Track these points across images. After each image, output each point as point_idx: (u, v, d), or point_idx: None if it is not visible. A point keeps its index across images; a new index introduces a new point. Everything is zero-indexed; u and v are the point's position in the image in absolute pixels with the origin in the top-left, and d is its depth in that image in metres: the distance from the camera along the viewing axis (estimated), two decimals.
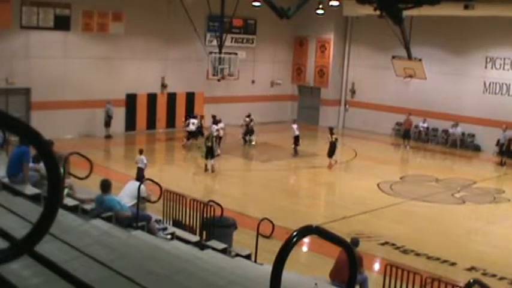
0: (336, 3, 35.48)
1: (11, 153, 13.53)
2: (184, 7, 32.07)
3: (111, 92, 34.65)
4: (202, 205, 15.73)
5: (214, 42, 35.88)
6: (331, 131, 31.28)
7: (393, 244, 19.67)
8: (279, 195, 25.55)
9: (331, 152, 30.62)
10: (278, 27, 40.48)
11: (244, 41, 41.87)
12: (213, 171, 28.18)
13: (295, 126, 34.00)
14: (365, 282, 14.26)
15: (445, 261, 18.46)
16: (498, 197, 27.45)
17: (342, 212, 22.91)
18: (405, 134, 38.75)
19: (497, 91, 38.19)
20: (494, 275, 17.43)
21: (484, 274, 17.29)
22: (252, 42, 42.38)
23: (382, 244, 19.69)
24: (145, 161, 23.63)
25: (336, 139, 30.99)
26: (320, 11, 38.57)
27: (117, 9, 34.86)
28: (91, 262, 5.50)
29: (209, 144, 28.25)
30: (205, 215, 15.47)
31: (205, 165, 28.24)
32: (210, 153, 28.22)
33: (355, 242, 14.37)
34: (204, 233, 15.10)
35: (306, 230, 3.65)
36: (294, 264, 13.80)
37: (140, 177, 19.73)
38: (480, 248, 20.64)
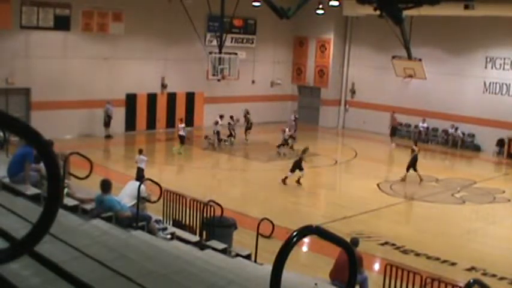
0: (336, 3, 35.50)
1: (15, 153, 13.54)
2: (185, 7, 32.09)
3: (111, 92, 34.67)
4: (202, 205, 15.73)
5: (214, 42, 35.90)
6: (415, 143, 30.24)
7: (393, 244, 19.67)
8: (279, 195, 25.55)
9: (411, 165, 28.72)
10: (278, 27, 40.51)
11: (244, 41, 41.88)
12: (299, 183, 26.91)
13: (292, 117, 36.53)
14: (365, 282, 14.26)
15: (445, 261, 18.46)
16: (498, 197, 27.43)
17: (342, 212, 22.91)
18: (392, 132, 38.81)
19: (497, 91, 38.20)
20: (494, 275, 17.42)
21: (484, 274, 17.29)
22: (252, 42, 42.39)
23: (382, 244, 19.69)
24: (145, 159, 23.70)
25: (419, 151, 29.52)
26: (320, 11, 38.64)
27: (117, 9, 34.86)
28: (91, 262, 5.51)
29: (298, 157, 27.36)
30: (205, 215, 15.46)
31: (285, 178, 26.81)
32: (298, 165, 26.98)
33: (355, 242, 14.37)
34: (204, 233, 15.09)
35: (306, 230, 3.65)
36: (294, 264, 13.80)
37: (140, 177, 19.74)
38: (480, 248, 20.65)
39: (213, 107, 39.69)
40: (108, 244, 6.93)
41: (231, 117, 35.37)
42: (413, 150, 28.85)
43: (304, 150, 27.46)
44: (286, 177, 26.71)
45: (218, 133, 33.85)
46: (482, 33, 37.69)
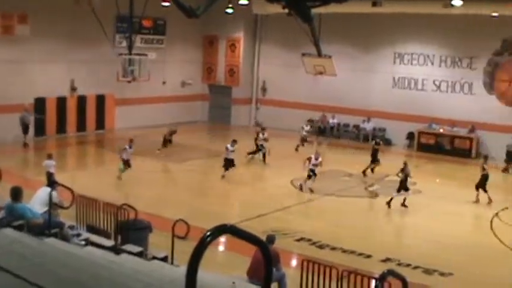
0: (245, 1, 35.54)
1: None
2: (92, 8, 31.58)
3: (19, 96, 33.75)
4: (116, 209, 15.54)
5: (124, 44, 35.51)
6: (485, 160, 27.82)
7: (309, 240, 19.86)
8: (194, 196, 25.48)
9: (481, 185, 26.24)
10: (188, 27, 40.32)
11: (154, 41, 41.55)
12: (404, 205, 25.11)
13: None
14: (283, 278, 14.33)
15: (360, 254, 18.76)
16: (410, 188, 27.98)
17: (258, 210, 23.00)
18: (320, 131, 39.37)
19: (405, 86, 39.26)
20: (408, 265, 17.82)
21: (399, 264, 17.67)
22: (162, 43, 42.09)
23: (298, 240, 19.86)
24: (53, 163, 23.30)
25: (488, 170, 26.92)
26: (229, 10, 38.60)
27: (22, 11, 34.02)
28: (1, 273, 5.35)
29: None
30: (119, 219, 15.28)
31: (390, 200, 24.95)
32: (403, 186, 25.16)
33: (271, 239, 14.41)
34: (119, 237, 14.91)
35: (220, 230, 3.64)
36: (212, 264, 13.77)
37: (52, 182, 19.36)
38: (394, 239, 21.10)
39: (124, 109, 39.31)
40: (19, 253, 6.77)
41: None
42: (483, 169, 26.58)
43: (403, 169, 25.52)
44: (391, 199, 24.96)
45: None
46: (390, 30, 38.60)
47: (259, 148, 32.34)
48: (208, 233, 3.51)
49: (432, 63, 38.61)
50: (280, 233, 19.67)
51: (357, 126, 40.80)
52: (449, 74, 38.18)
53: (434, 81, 38.56)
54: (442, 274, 17.42)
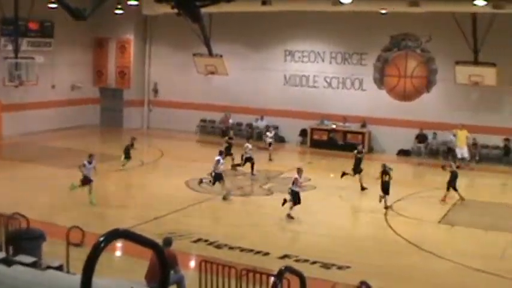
0: (135, 2, 35.04)
1: None
2: None
3: None
4: (6, 218, 15.04)
5: (10, 47, 34.52)
6: (452, 157, 28.48)
7: (206, 240, 19.79)
8: (87, 201, 24.89)
9: (451, 183, 25.46)
10: (77, 29, 39.40)
11: (42, 44, 40.44)
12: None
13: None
14: (182, 280, 14.23)
15: (258, 252, 18.83)
16: (305, 185, 28.28)
17: (153, 213, 22.78)
18: (224, 132, 39.38)
19: (297, 83, 39.71)
20: (306, 260, 17.99)
21: (297, 260, 17.81)
22: (50, 46, 41.00)
23: (196, 241, 19.76)
24: None
25: (458, 166, 26.57)
26: (119, 11, 38.08)
27: None
28: None
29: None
30: (10, 229, 14.80)
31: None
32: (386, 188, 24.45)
33: (168, 241, 14.31)
34: (11, 248, 14.42)
35: (113, 234, 3.55)
36: (110, 270, 13.48)
37: None
38: (292, 235, 21.28)
39: (12, 115, 38.16)
40: None
41: None
42: (450, 166, 26.02)
43: (385, 172, 24.63)
44: (387, 205, 24.37)
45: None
46: (280, 28, 38.99)
47: (245, 159, 30.56)
48: (101, 239, 3.38)
49: (323, 60, 39.23)
50: (177, 234, 19.53)
51: (250, 125, 40.98)
52: (340, 71, 38.87)
53: (325, 78, 39.17)
54: (339, 268, 17.66)
